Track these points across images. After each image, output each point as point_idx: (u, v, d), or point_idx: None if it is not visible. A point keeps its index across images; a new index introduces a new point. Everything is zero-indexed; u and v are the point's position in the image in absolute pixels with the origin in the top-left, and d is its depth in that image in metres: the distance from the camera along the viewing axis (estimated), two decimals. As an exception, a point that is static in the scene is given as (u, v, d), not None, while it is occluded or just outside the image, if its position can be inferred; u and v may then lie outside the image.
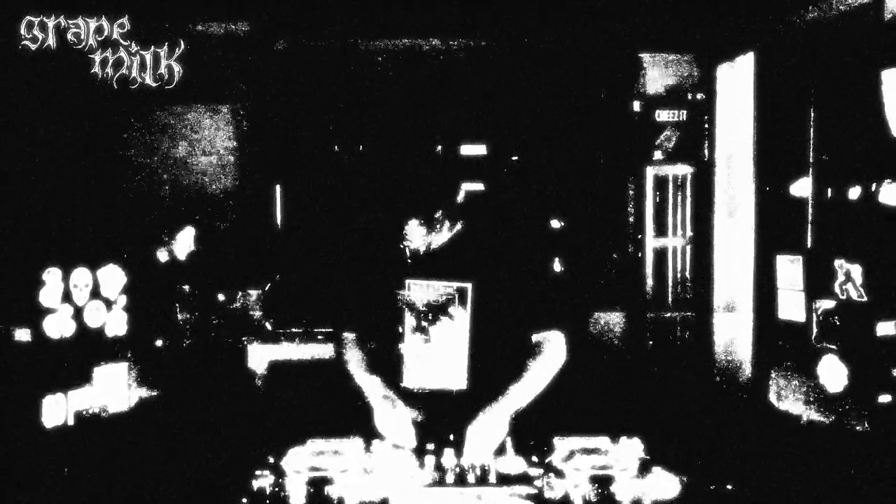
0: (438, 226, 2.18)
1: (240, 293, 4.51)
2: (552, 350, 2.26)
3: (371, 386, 2.24)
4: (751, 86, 4.82)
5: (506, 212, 6.15)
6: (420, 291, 2.25)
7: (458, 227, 2.26)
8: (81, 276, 3.29)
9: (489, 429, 2.04)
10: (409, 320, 2.26)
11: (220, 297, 4.48)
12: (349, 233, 5.94)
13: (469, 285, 2.21)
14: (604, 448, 1.99)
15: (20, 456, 2.99)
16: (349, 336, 2.40)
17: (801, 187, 4.16)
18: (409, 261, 2.25)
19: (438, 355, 2.25)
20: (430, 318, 2.25)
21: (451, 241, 2.25)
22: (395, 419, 2.12)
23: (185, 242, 4.25)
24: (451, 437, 2.06)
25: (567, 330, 2.28)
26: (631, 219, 5.56)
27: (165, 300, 4.13)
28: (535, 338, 2.26)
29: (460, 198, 2.21)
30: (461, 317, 2.23)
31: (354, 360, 2.34)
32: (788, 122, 4.38)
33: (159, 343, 4.00)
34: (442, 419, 2.13)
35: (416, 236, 2.17)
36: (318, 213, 6.29)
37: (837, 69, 3.93)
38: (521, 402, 2.16)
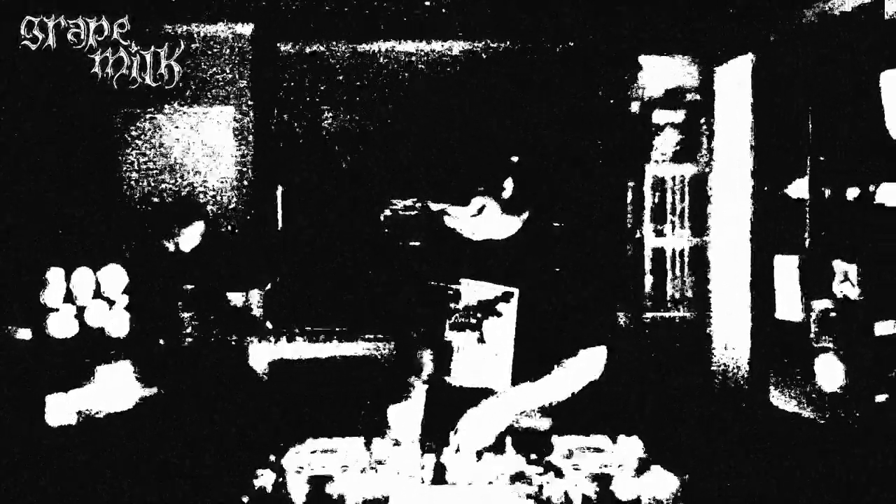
0: (488, 216, 2.15)
1: (241, 293, 4.52)
2: (583, 363, 2.21)
3: (404, 380, 2.26)
4: (749, 86, 4.84)
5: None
6: (469, 290, 2.24)
7: (515, 222, 2.24)
8: (83, 275, 3.30)
9: (482, 424, 2.04)
10: (455, 318, 2.25)
11: (222, 296, 4.49)
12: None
13: (516, 290, 2.19)
14: (603, 447, 2.01)
15: (23, 455, 3.00)
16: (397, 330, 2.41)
17: (800, 187, 4.17)
18: (455, 255, 2.25)
19: (483, 355, 2.23)
20: (477, 317, 2.23)
21: (511, 238, 2.24)
22: (407, 414, 2.13)
23: (192, 236, 4.26)
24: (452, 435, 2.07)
25: (609, 345, 2.23)
26: (630, 219, 5.57)
27: (167, 300, 4.14)
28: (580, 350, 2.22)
29: (507, 193, 2.16)
30: (509, 319, 2.20)
31: (402, 354, 2.35)
32: (787, 122, 4.39)
33: (161, 342, 4.02)
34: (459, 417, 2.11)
35: (467, 223, 2.16)
36: (319, 213, 6.29)
37: (836, 69, 3.94)
38: (525, 406, 2.14)
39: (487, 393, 2.15)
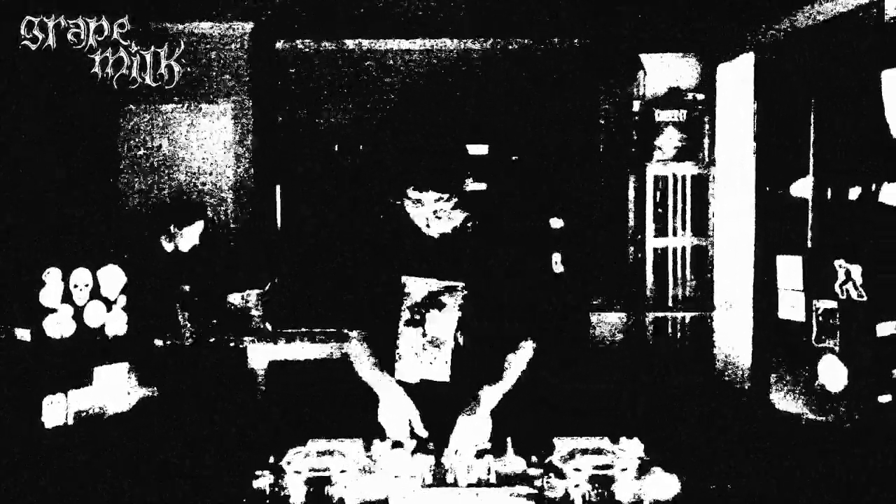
0: (448, 211, 2.18)
1: (240, 293, 4.52)
2: (523, 353, 2.30)
3: (375, 380, 2.26)
4: (751, 85, 4.82)
5: (504, 212, 6.17)
6: (418, 287, 2.26)
7: (463, 219, 2.27)
8: (81, 275, 3.28)
9: (473, 429, 2.07)
10: (405, 314, 2.28)
11: (221, 296, 4.48)
12: (356, 226, 5.94)
13: (462, 284, 2.24)
14: (604, 448, 1.99)
15: (20, 456, 2.99)
16: (354, 332, 2.41)
17: (802, 187, 4.16)
18: (410, 252, 2.28)
19: (431, 349, 2.26)
20: (425, 312, 2.26)
21: (455, 234, 2.26)
22: (396, 413, 2.13)
23: (191, 236, 4.26)
24: (451, 436, 2.07)
25: (538, 337, 2.33)
26: (631, 219, 5.56)
27: (166, 300, 4.13)
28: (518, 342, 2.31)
29: (468, 188, 2.23)
30: (453, 313, 2.24)
31: (360, 355, 2.35)
32: (789, 121, 4.38)
33: (159, 343, 4.00)
34: (437, 416, 2.14)
35: (424, 217, 2.18)
36: (318, 212, 6.29)
37: (838, 69, 3.93)
38: (496, 401, 2.20)
39: (471, 392, 2.19)
